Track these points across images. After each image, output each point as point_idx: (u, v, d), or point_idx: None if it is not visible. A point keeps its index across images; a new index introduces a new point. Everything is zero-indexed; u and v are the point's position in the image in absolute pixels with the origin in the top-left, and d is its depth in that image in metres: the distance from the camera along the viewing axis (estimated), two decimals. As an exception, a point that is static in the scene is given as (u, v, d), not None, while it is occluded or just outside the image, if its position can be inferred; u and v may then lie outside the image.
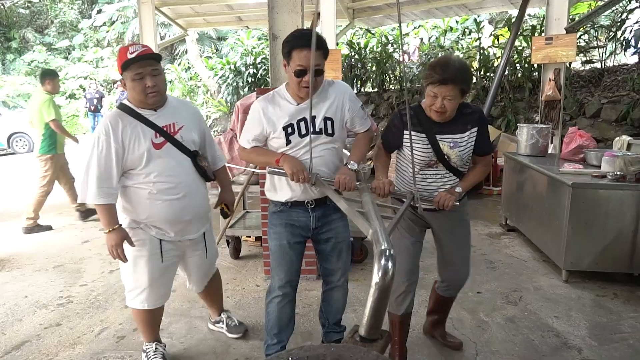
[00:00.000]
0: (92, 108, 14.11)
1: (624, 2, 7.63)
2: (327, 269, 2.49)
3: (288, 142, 2.20)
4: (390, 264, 1.35)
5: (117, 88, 14.16)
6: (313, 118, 2.18)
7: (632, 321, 3.07)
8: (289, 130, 2.19)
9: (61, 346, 2.88)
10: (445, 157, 2.25)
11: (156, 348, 2.63)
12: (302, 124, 2.19)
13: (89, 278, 3.98)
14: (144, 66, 2.20)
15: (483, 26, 10.03)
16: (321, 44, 2.09)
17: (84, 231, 5.47)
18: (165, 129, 2.31)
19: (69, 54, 20.66)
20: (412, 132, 2.23)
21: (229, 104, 12.07)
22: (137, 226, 2.36)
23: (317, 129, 2.20)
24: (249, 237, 4.61)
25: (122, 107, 2.30)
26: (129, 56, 2.18)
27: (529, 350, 2.75)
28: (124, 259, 2.31)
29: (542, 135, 4.80)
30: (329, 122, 2.21)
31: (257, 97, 3.58)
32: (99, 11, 20.37)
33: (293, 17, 3.68)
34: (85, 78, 18.82)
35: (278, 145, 2.23)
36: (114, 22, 19.62)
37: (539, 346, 2.79)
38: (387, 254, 1.37)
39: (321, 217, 2.34)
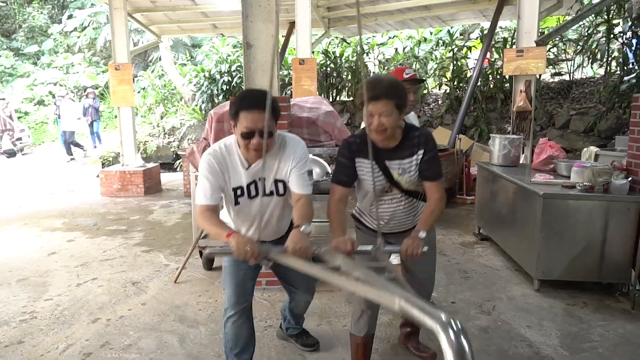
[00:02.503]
0: (90, 118, 13.73)
1: (590, 17, 7.87)
2: (289, 289, 2.56)
3: (236, 202, 2.19)
4: (464, 341, 1.01)
5: (87, 96, 13.79)
6: (263, 180, 2.15)
7: (601, 330, 3.12)
8: (239, 192, 2.17)
9: (23, 365, 2.76)
10: (397, 182, 2.25)
11: None
12: (252, 186, 2.18)
13: (55, 292, 3.83)
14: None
15: (456, 37, 10.20)
16: (272, 105, 1.95)
17: (51, 242, 5.29)
18: None
19: (38, 59, 20.13)
20: (362, 160, 2.21)
21: (204, 112, 11.94)
22: None
23: (267, 192, 2.19)
24: (223, 247, 4.53)
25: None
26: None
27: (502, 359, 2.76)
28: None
29: (514, 146, 4.88)
30: (279, 184, 2.20)
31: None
32: (70, 16, 19.91)
33: (267, 25, 3.66)
34: (55, 84, 18.34)
35: (226, 202, 2.23)
36: (85, 27, 19.20)
37: (512, 356, 2.80)
38: (455, 327, 1.04)
39: (276, 243, 2.27)
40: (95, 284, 3.98)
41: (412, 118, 3.60)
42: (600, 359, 2.77)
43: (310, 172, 2.22)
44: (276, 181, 2.19)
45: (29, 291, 3.85)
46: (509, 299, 3.61)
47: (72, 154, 12.32)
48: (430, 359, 2.73)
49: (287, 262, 1.84)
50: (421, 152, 2.19)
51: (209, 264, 4.26)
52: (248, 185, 2.17)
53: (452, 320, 1.04)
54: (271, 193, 2.21)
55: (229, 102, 3.99)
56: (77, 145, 12.63)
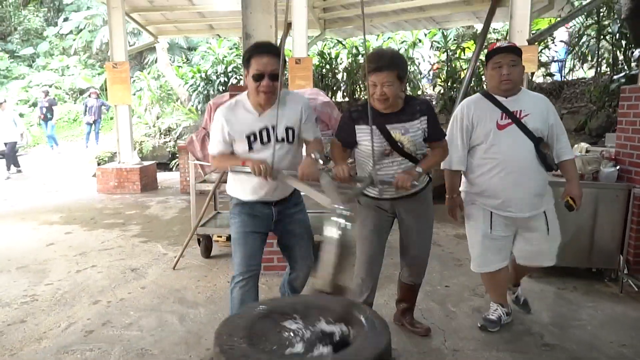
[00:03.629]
0: (42, 117, 13.79)
1: (580, 18, 8.04)
2: (291, 258, 2.58)
3: (250, 148, 2.30)
4: (344, 221, 1.46)
5: (89, 96, 13.82)
6: (275, 127, 2.29)
7: (590, 310, 3.21)
8: (252, 138, 2.30)
9: (26, 341, 2.81)
10: (399, 144, 2.37)
11: (495, 309, 2.91)
12: (264, 132, 2.31)
13: (55, 277, 3.88)
14: (504, 57, 2.53)
15: (449, 39, 10.35)
16: (278, 51, 2.25)
17: (49, 234, 5.33)
18: (515, 113, 2.58)
19: (33, 61, 20.14)
20: (363, 126, 2.39)
21: (199, 112, 12.00)
22: (472, 200, 2.74)
23: (279, 138, 2.31)
24: (220, 237, 4.60)
25: (483, 93, 2.69)
26: (496, 46, 2.63)
27: (494, 336, 2.84)
28: (456, 218, 2.83)
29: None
30: (289, 132, 2.34)
31: (230, 96, 3.64)
32: (66, 19, 19.99)
33: (266, 17, 3.75)
34: (50, 86, 18.36)
35: (242, 151, 2.33)
36: (81, 30, 19.27)
37: (504, 333, 2.89)
38: (341, 212, 1.48)
39: (282, 210, 2.45)
40: (94, 271, 4.03)
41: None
42: (588, 336, 2.86)
43: (317, 119, 2.53)
44: (287, 128, 2.33)
45: (29, 277, 3.90)
46: (501, 284, 3.69)
47: (16, 167, 10.65)
48: (424, 333, 2.81)
49: (293, 183, 2.18)
50: (424, 118, 2.39)
51: (207, 251, 4.32)
52: (260, 131, 2.30)
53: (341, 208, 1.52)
54: (282, 140, 2.33)
55: (228, 92, 4.08)
56: (15, 161, 10.74)
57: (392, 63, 2.24)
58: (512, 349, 2.71)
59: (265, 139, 2.30)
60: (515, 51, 2.58)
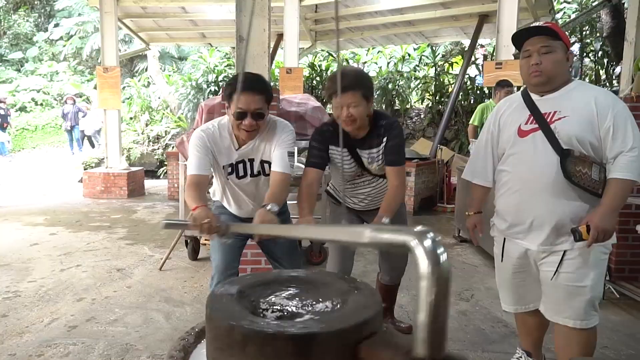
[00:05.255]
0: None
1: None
2: (276, 261, 2.55)
3: (226, 179, 2.28)
4: (439, 248, 0.84)
5: (65, 102, 13.79)
6: (252, 161, 2.26)
7: (573, 314, 3.26)
8: (229, 170, 2.27)
9: (7, 335, 2.76)
10: (367, 168, 2.37)
11: (519, 356, 2.35)
12: (241, 165, 2.27)
13: (38, 275, 3.83)
14: (533, 43, 1.95)
15: (438, 54, 10.56)
16: (264, 87, 2.11)
17: (32, 235, 5.26)
18: (545, 116, 1.97)
19: (22, 66, 20.01)
20: (334, 147, 2.29)
21: (189, 120, 11.99)
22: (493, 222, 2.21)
23: (255, 172, 2.29)
24: (208, 240, 4.58)
25: (523, 90, 2.12)
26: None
27: (479, 337, 2.87)
28: (473, 240, 2.31)
29: (493, 150, 5.08)
30: (266, 165, 2.28)
31: (222, 97, 3.65)
32: (57, 25, 19.94)
33: (260, 21, 3.80)
34: (38, 91, 18.23)
35: (219, 181, 2.32)
36: (71, 36, 19.23)
37: (489, 334, 2.92)
38: (430, 236, 0.83)
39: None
40: (79, 270, 3.99)
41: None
42: (571, 338, 2.90)
43: (291, 154, 2.23)
44: (262, 162, 2.28)
45: (12, 275, 3.85)
46: (486, 289, 3.74)
47: None
48: (407, 330, 2.83)
49: (248, 229, 1.99)
50: (385, 139, 2.26)
51: (194, 253, 4.30)
52: (237, 164, 2.26)
53: (427, 230, 0.89)
54: (258, 173, 2.30)
55: (219, 95, 4.10)
56: None
57: (356, 83, 2.12)
58: (497, 349, 2.74)
59: (241, 172, 2.27)
60: (548, 32, 1.93)
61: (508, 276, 2.19)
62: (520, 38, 2.01)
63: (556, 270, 1.97)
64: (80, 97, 17.40)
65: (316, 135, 2.33)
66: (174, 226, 1.97)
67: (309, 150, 2.35)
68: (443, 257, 0.81)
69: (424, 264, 0.78)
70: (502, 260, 2.19)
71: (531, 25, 2.05)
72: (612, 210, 1.86)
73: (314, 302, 0.95)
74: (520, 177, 2.01)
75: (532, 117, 1.99)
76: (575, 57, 8.25)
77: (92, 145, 13.88)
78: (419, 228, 0.88)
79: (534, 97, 2.03)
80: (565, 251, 1.94)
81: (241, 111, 2.06)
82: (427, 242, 0.81)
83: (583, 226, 1.86)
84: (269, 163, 2.26)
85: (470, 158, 2.29)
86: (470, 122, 6.11)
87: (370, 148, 2.28)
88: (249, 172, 2.26)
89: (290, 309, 0.92)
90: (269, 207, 1.98)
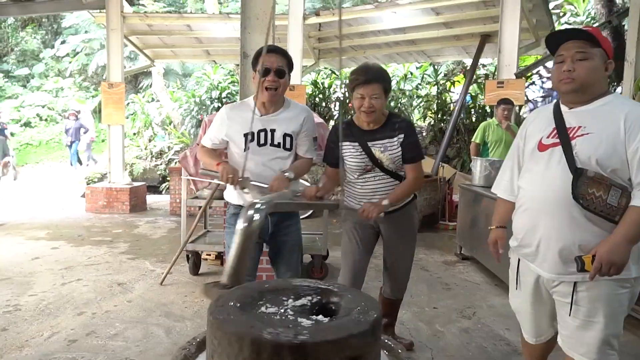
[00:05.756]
0: None
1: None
2: (278, 270, 2.56)
3: (246, 148, 2.30)
4: (255, 215, 1.36)
5: (67, 117, 13.97)
6: (273, 131, 2.34)
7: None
8: (249, 137, 2.30)
9: (7, 349, 2.75)
10: (379, 161, 2.44)
11: None
12: (262, 134, 2.34)
13: (39, 289, 3.82)
14: (568, 48, 1.77)
15: (440, 72, 10.66)
16: (286, 53, 2.35)
17: (34, 249, 5.26)
18: (569, 131, 1.78)
19: (28, 82, 20.23)
20: (346, 143, 2.46)
21: (192, 137, 12.07)
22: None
23: (275, 143, 2.35)
24: (209, 255, 4.58)
25: (556, 101, 1.96)
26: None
27: (482, 355, 2.85)
28: (495, 256, 2.12)
29: (494, 168, 5.07)
30: (287, 138, 2.37)
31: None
32: (63, 42, 20.21)
33: (264, 37, 3.86)
34: (43, 107, 18.42)
35: (237, 151, 2.37)
36: (77, 53, 19.47)
37: (492, 352, 2.89)
38: (257, 206, 1.40)
39: (277, 222, 2.44)
40: (80, 284, 3.98)
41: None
42: (575, 357, 2.87)
43: (315, 139, 2.50)
44: (285, 135, 2.36)
45: (12, 288, 3.84)
46: (489, 307, 3.71)
47: None
48: (408, 347, 2.81)
49: (254, 193, 2.17)
50: (402, 135, 2.42)
51: (195, 268, 4.29)
52: (259, 132, 2.34)
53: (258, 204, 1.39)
54: (279, 145, 2.36)
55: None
56: None
57: (379, 76, 2.34)
58: (500, 367, 2.71)
59: (262, 140, 2.34)
60: (587, 37, 1.73)
61: (527, 305, 2.00)
62: (555, 41, 1.81)
63: (571, 303, 1.78)
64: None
65: (331, 134, 2.58)
66: (207, 174, 2.30)
67: (326, 150, 2.60)
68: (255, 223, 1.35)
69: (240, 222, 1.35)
70: (517, 288, 2.03)
71: (569, 28, 1.80)
72: (625, 241, 1.64)
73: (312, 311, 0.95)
74: (531, 195, 1.86)
75: (555, 131, 1.81)
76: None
77: (80, 162, 13.97)
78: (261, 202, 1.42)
79: (564, 109, 1.84)
80: (575, 283, 1.76)
81: (266, 67, 2.25)
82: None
83: (588, 256, 1.67)
84: (291, 137, 2.37)
85: (500, 169, 2.15)
86: (473, 139, 6.13)
87: (383, 139, 2.42)
88: (269, 141, 2.35)
89: (289, 318, 0.93)
90: (287, 174, 2.24)
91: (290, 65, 2.36)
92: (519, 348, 2.96)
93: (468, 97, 9.23)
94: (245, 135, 2.30)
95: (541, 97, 10.36)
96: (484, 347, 2.96)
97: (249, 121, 2.27)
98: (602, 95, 1.77)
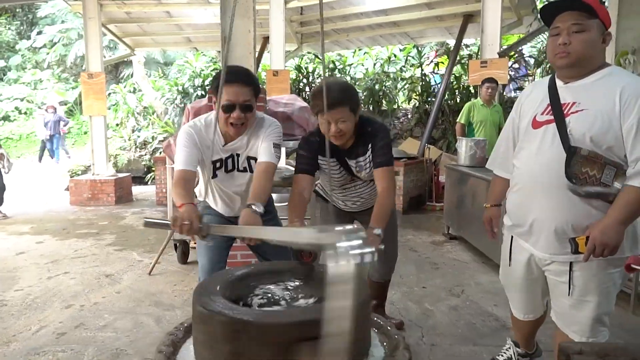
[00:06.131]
0: None
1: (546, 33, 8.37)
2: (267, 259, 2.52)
3: (214, 175, 2.23)
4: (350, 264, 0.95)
5: (46, 110, 13.69)
6: (238, 155, 2.22)
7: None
8: (217, 164, 2.22)
9: (-6, 344, 2.72)
10: (357, 176, 2.35)
11: (508, 347, 2.43)
12: (230, 160, 2.24)
13: (25, 284, 3.77)
14: (564, 19, 1.69)
15: (424, 55, 10.62)
16: (252, 80, 2.06)
17: (18, 244, 5.18)
18: (564, 107, 1.73)
19: (4, 75, 19.76)
20: (323, 158, 2.23)
21: (176, 126, 11.92)
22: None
23: (241, 168, 2.24)
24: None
25: (552, 74, 1.89)
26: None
27: (471, 332, 2.89)
28: (489, 234, 2.20)
29: (480, 147, 5.11)
30: (252, 161, 2.24)
31: (208, 101, 3.63)
32: (40, 32, 19.72)
33: (244, 21, 3.81)
34: (22, 100, 18.02)
35: (206, 177, 2.26)
36: (55, 43, 19.03)
37: (480, 328, 2.93)
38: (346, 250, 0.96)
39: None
40: (67, 277, 3.94)
41: None
42: (562, 330, 2.93)
43: (277, 145, 2.18)
44: (249, 158, 2.24)
45: (-3, 284, 3.79)
46: (476, 285, 3.76)
47: None
48: (399, 326, 2.84)
49: (229, 231, 2.00)
50: (370, 145, 2.22)
51: (183, 257, 4.27)
52: (226, 159, 2.23)
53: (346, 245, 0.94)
54: (244, 169, 2.25)
55: (206, 97, 4.10)
56: None
57: (343, 98, 2.06)
58: (489, 342, 2.75)
59: (229, 166, 2.23)
60: (584, 8, 1.65)
61: (518, 282, 2.02)
62: (550, 12, 1.73)
63: (569, 283, 1.77)
64: (65, 104, 17.24)
65: (304, 145, 2.27)
66: (154, 225, 1.86)
67: (297, 157, 2.29)
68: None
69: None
70: (509, 265, 2.03)
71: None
72: (618, 222, 1.61)
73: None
74: (524, 173, 1.83)
75: (549, 107, 1.76)
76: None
77: (52, 156, 13.76)
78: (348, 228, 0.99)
79: (559, 83, 1.78)
80: (571, 263, 1.75)
81: (229, 103, 2.00)
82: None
83: (582, 238, 1.65)
84: (255, 159, 2.20)
85: (495, 146, 2.11)
86: (458, 120, 6.15)
87: (357, 157, 2.25)
88: (236, 166, 2.24)
89: (269, 299, 0.92)
90: (253, 207, 1.93)
91: (257, 90, 2.09)
92: (507, 323, 3.00)
93: (442, 78, 9.21)
94: (214, 162, 2.19)
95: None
96: (473, 324, 3.00)
97: (216, 148, 2.16)
98: (599, 68, 1.72)
